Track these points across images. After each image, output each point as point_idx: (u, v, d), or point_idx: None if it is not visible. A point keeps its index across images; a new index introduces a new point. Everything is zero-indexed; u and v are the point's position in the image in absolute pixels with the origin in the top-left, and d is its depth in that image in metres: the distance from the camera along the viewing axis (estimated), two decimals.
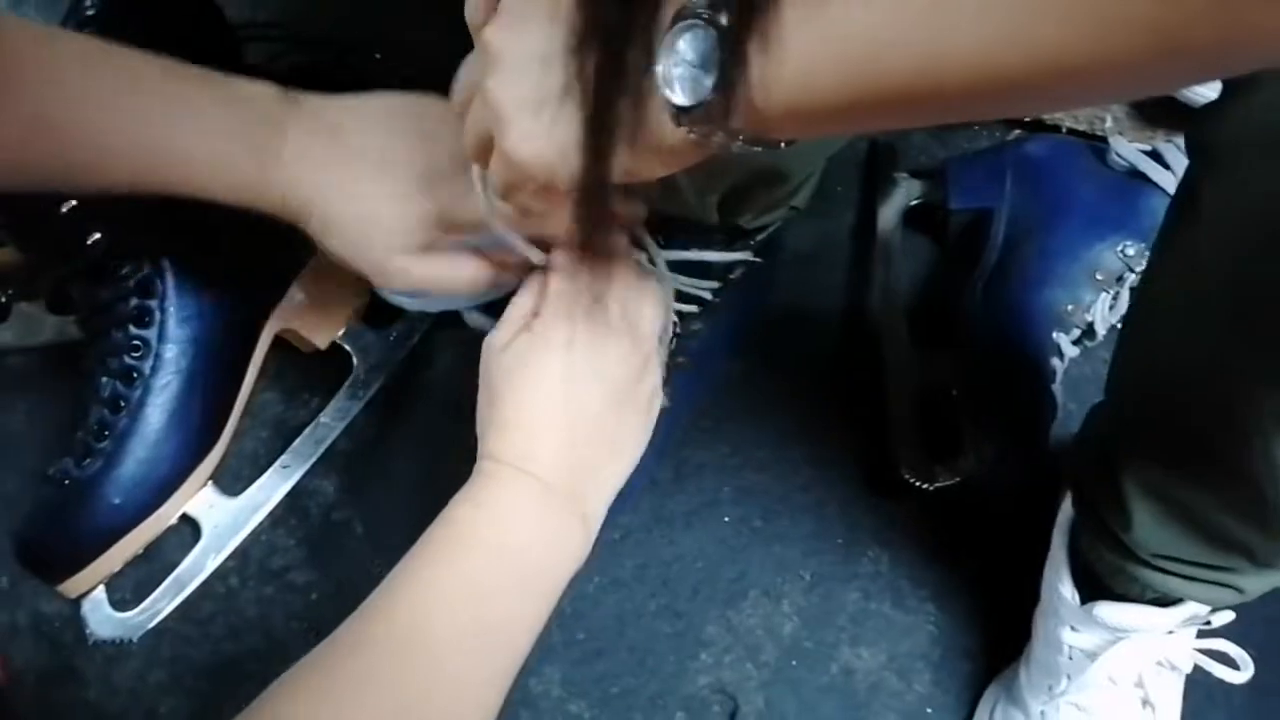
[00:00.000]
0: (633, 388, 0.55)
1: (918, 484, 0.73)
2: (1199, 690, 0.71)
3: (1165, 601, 0.61)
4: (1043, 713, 0.67)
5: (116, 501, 0.68)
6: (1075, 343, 0.75)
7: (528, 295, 0.56)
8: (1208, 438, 0.49)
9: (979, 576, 0.76)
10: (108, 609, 0.70)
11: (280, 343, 0.78)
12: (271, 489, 0.75)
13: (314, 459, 0.76)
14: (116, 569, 0.70)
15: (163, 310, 0.69)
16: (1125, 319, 0.67)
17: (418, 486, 0.78)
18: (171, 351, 0.69)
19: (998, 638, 0.73)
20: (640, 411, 0.56)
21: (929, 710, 0.73)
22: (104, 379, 0.70)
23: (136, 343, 0.69)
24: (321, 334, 0.77)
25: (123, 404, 0.69)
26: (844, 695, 0.74)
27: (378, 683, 0.45)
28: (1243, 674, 0.63)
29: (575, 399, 0.53)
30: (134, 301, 0.69)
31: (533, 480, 0.52)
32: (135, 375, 0.69)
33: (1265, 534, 0.52)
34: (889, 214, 0.84)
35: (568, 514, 0.53)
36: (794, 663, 0.74)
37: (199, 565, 0.73)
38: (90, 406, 0.70)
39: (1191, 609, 0.61)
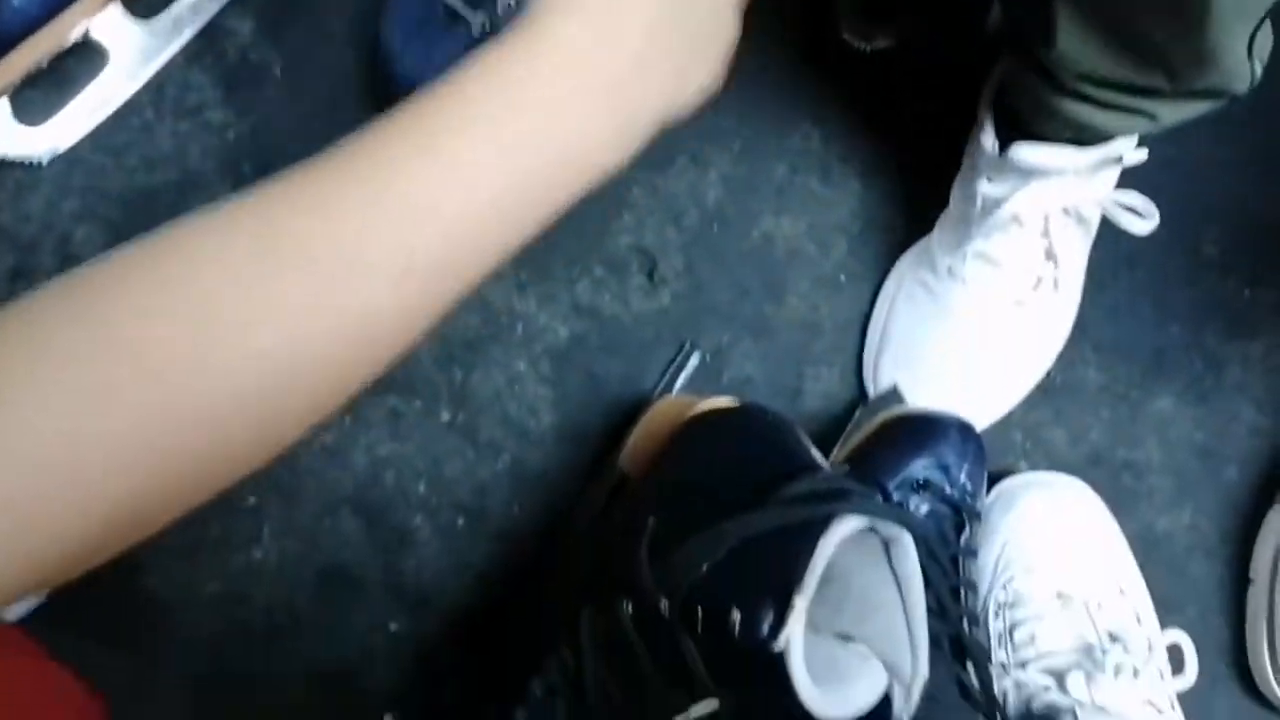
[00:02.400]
0: None
1: (857, 45, 0.71)
2: (1104, 263, 0.74)
3: (1081, 142, 0.61)
4: (950, 268, 0.68)
5: (15, 3, 0.65)
6: None
7: None
8: None
9: (907, 157, 0.76)
10: (13, 122, 0.69)
11: None
12: (186, 21, 0.72)
13: None
14: (16, 80, 0.68)
15: None
16: None
17: (347, 37, 0.75)
18: None
19: (919, 215, 0.74)
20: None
21: (842, 278, 0.75)
22: None
23: None
24: None
25: None
26: (762, 260, 0.75)
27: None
28: (1148, 222, 0.64)
29: None
30: None
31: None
32: None
33: (1184, 34, 0.51)
34: None
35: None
36: (715, 227, 0.75)
37: (110, 91, 0.71)
38: None
39: (1105, 150, 0.61)
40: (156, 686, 0.67)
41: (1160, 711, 0.59)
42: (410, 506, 0.70)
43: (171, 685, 0.67)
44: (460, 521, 0.71)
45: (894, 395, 0.68)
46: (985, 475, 0.63)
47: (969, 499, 0.59)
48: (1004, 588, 0.62)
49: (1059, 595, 0.61)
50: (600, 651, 0.51)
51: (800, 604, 0.42)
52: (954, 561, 0.57)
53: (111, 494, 0.34)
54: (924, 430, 0.61)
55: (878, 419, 0.63)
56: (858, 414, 0.68)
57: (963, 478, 0.60)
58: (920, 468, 0.59)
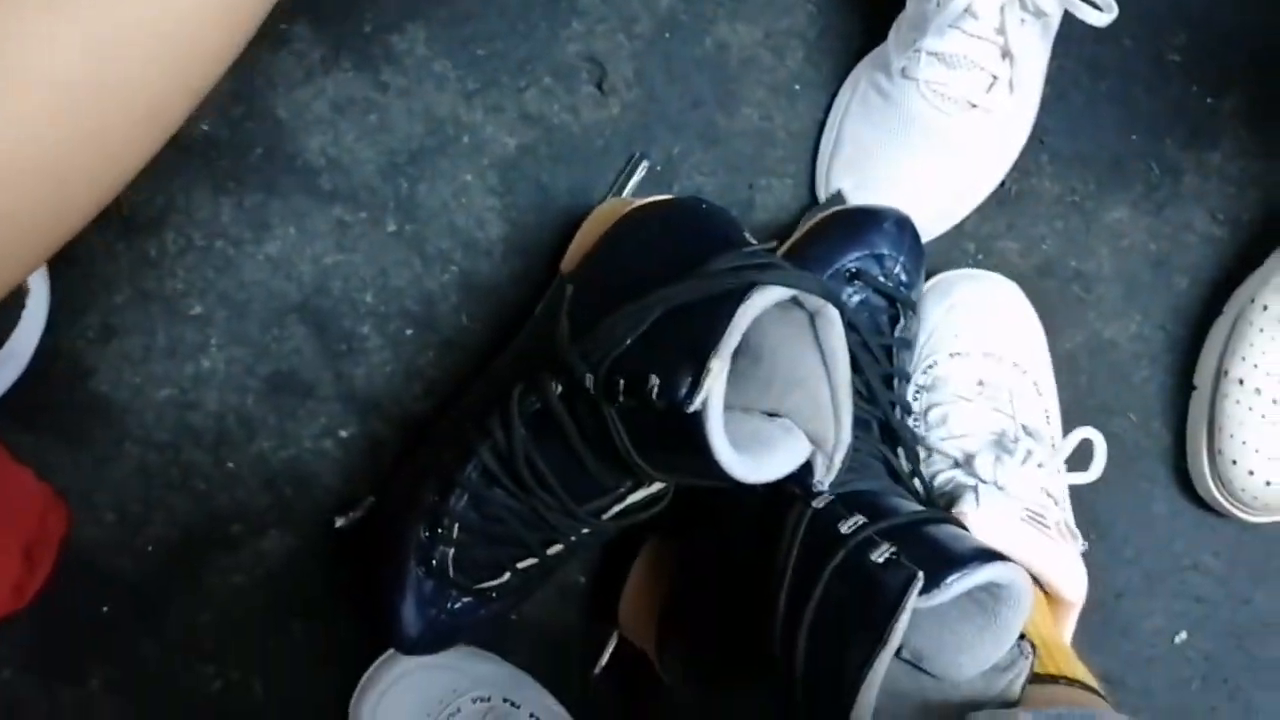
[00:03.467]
0: None
1: None
2: (1065, 71, 0.72)
3: None
4: (904, 68, 0.67)
5: None
6: None
7: None
8: None
9: None
10: None
11: None
12: None
13: None
14: None
15: None
16: None
17: None
18: None
19: (878, 21, 0.72)
20: None
21: (798, 86, 0.73)
22: None
23: None
24: None
25: None
26: (715, 69, 0.73)
27: None
28: (1106, 15, 0.62)
29: None
30: None
31: None
32: None
33: None
34: None
35: None
36: (668, 35, 0.73)
37: None
38: None
39: None
40: (115, 485, 0.69)
41: (1056, 502, 0.60)
42: (358, 315, 0.70)
43: (129, 484, 0.69)
44: (409, 331, 0.71)
45: (837, 198, 0.67)
46: (923, 268, 0.62)
47: (903, 289, 0.59)
48: (925, 371, 0.62)
49: (980, 383, 0.61)
50: (531, 432, 0.51)
51: (716, 366, 0.43)
52: (887, 351, 0.58)
53: None
54: (859, 222, 0.60)
55: (816, 217, 0.62)
56: (802, 219, 0.67)
57: (897, 269, 0.59)
58: (854, 258, 0.58)
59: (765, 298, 0.45)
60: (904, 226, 0.61)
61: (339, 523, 0.67)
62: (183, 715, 0.70)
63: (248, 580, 0.69)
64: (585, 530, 0.54)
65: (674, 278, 0.49)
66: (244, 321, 0.70)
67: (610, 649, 0.67)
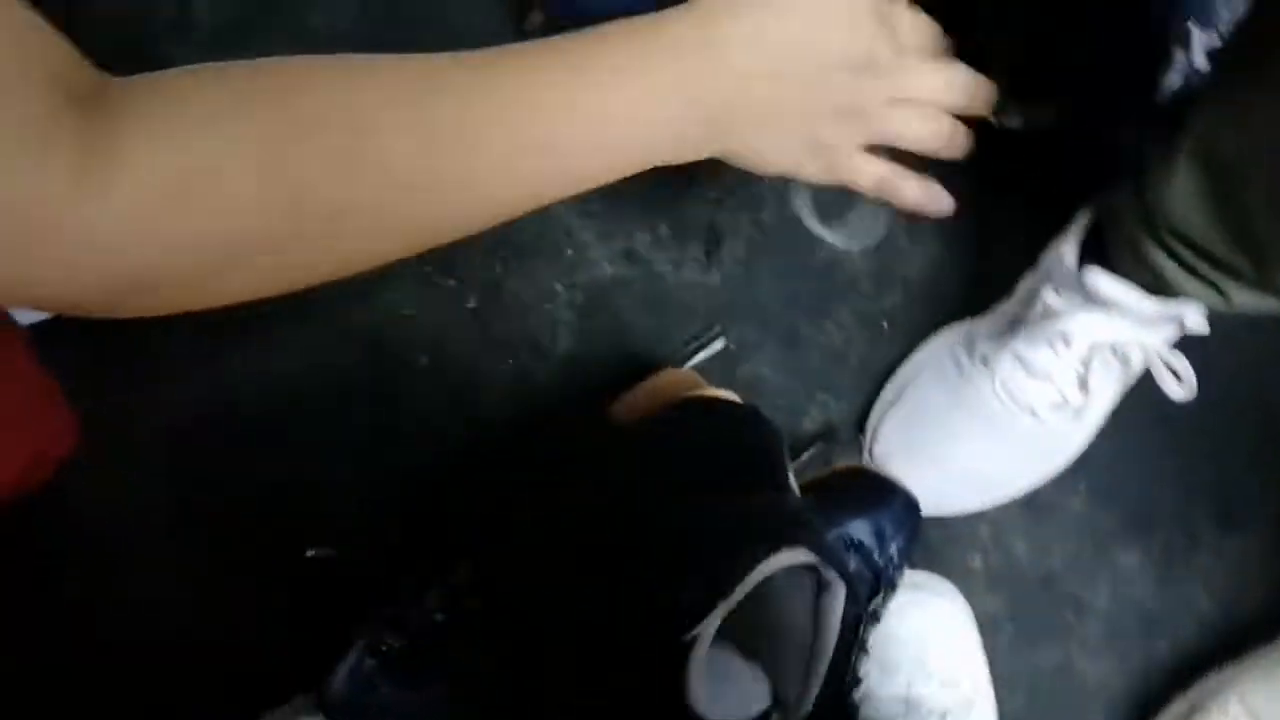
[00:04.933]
0: None
1: (1005, 124, 0.71)
2: (1132, 411, 0.75)
3: (1153, 291, 0.61)
4: (985, 356, 0.69)
5: None
6: (1210, 56, 0.71)
7: None
8: None
9: (999, 240, 0.76)
10: None
11: None
12: None
13: None
14: None
15: None
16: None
17: None
18: None
19: (980, 298, 0.74)
20: None
21: (885, 325, 0.76)
22: None
23: None
24: None
25: None
26: (818, 279, 0.76)
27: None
28: (1184, 390, 0.65)
29: None
30: None
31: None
32: None
33: None
34: None
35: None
36: (787, 232, 0.76)
37: None
38: None
39: (1171, 308, 0.62)
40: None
41: None
42: (409, 373, 0.72)
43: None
44: (446, 402, 0.73)
45: (829, 432, 0.71)
46: (912, 551, 0.65)
47: (891, 570, 0.61)
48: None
49: (905, 701, 0.64)
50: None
51: (722, 608, 0.44)
52: (858, 621, 0.59)
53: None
54: (874, 493, 0.63)
55: (837, 462, 0.65)
56: (817, 446, 0.71)
57: (893, 549, 0.61)
58: (860, 528, 0.60)
59: (792, 557, 0.46)
60: (912, 511, 0.63)
61: (310, 552, 0.69)
62: None
63: None
64: None
65: (715, 484, 0.51)
66: (305, 329, 0.72)
67: None
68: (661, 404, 0.64)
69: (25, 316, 0.66)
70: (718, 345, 0.74)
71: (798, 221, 0.76)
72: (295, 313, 0.72)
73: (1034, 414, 0.69)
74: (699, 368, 0.74)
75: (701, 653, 0.44)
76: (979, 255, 0.76)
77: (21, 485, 0.67)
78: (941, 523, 0.73)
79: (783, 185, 0.76)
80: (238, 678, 0.63)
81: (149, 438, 0.69)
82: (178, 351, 0.70)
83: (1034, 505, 0.75)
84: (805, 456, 0.73)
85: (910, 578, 0.69)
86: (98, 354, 0.69)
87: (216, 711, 0.65)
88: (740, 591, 0.45)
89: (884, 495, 0.65)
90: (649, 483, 0.55)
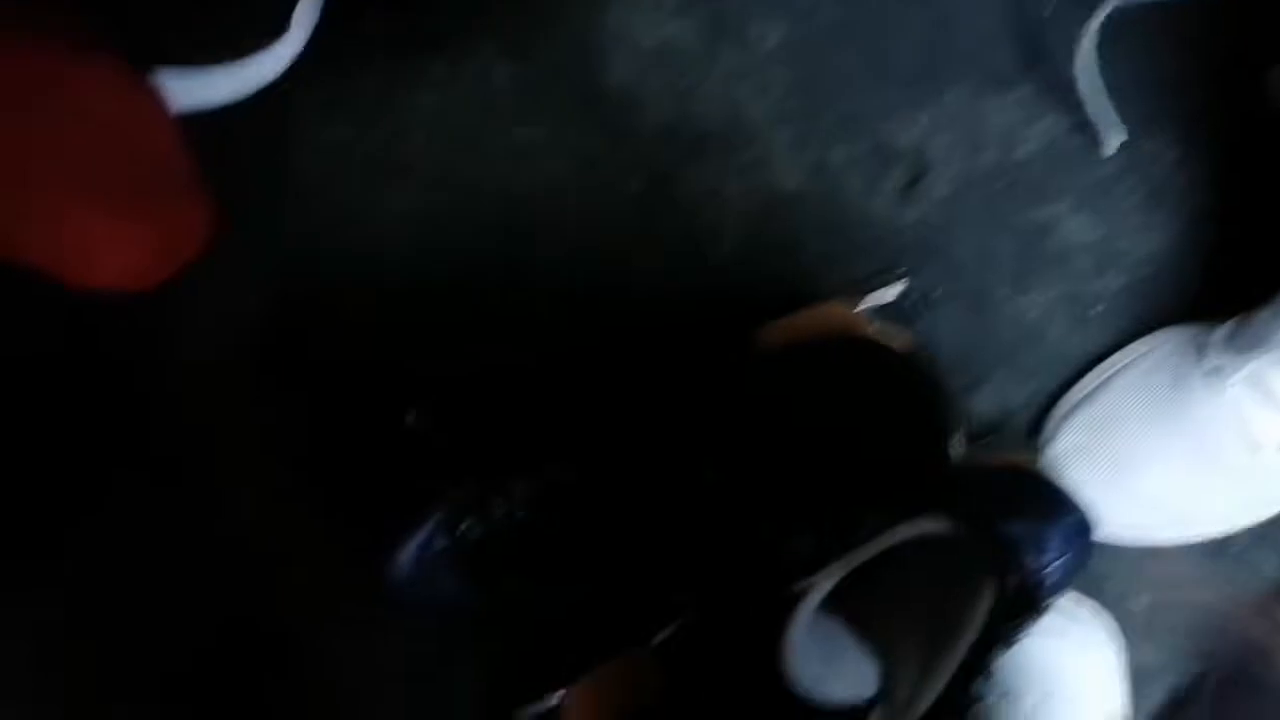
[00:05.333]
0: None
1: None
2: None
3: None
4: (1217, 367, 0.58)
5: None
6: None
7: None
8: None
9: (1255, 233, 0.64)
10: None
11: None
12: None
13: None
14: None
15: None
16: None
17: None
18: None
19: (1214, 301, 0.63)
20: None
21: (1098, 309, 0.65)
22: None
23: None
24: None
25: None
26: (1028, 242, 0.65)
27: None
28: None
29: None
30: None
31: None
32: None
33: None
34: None
35: None
36: (1003, 183, 0.66)
37: None
38: None
39: None
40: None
41: None
42: (551, 248, 0.66)
43: None
44: (583, 291, 0.66)
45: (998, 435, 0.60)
46: (1073, 578, 0.55)
47: (1044, 590, 0.52)
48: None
49: None
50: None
51: (842, 564, 0.36)
52: (995, 629, 0.50)
53: None
54: (1045, 501, 0.53)
55: (1012, 456, 0.55)
56: (994, 436, 0.60)
57: (1052, 568, 0.52)
58: (1020, 531, 0.51)
59: (930, 526, 0.38)
60: (1084, 534, 0.53)
61: (409, 418, 0.64)
62: None
63: None
64: None
65: (862, 434, 0.43)
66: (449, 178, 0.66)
67: None
68: (819, 336, 0.55)
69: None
70: (898, 287, 0.65)
71: (1016, 170, 0.65)
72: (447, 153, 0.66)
73: (1258, 449, 0.58)
74: (870, 311, 0.65)
75: (807, 610, 0.36)
76: (1229, 249, 0.64)
77: (146, 276, 0.64)
78: (1108, 548, 0.62)
79: (1018, 122, 0.65)
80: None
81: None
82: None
83: (1222, 554, 0.64)
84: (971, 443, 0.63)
85: (1061, 603, 0.59)
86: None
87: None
88: (867, 551, 0.37)
89: (1056, 506, 0.55)
90: (788, 415, 0.47)
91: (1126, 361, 0.63)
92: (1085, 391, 0.63)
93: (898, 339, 0.54)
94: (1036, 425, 0.64)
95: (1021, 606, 0.53)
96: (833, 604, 0.42)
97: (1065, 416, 0.63)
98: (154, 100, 0.61)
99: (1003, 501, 0.54)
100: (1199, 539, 0.62)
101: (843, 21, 0.66)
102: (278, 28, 0.62)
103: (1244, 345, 0.57)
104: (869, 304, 0.64)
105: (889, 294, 0.65)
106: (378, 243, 0.65)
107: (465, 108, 0.66)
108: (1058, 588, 0.56)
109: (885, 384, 0.49)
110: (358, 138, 0.66)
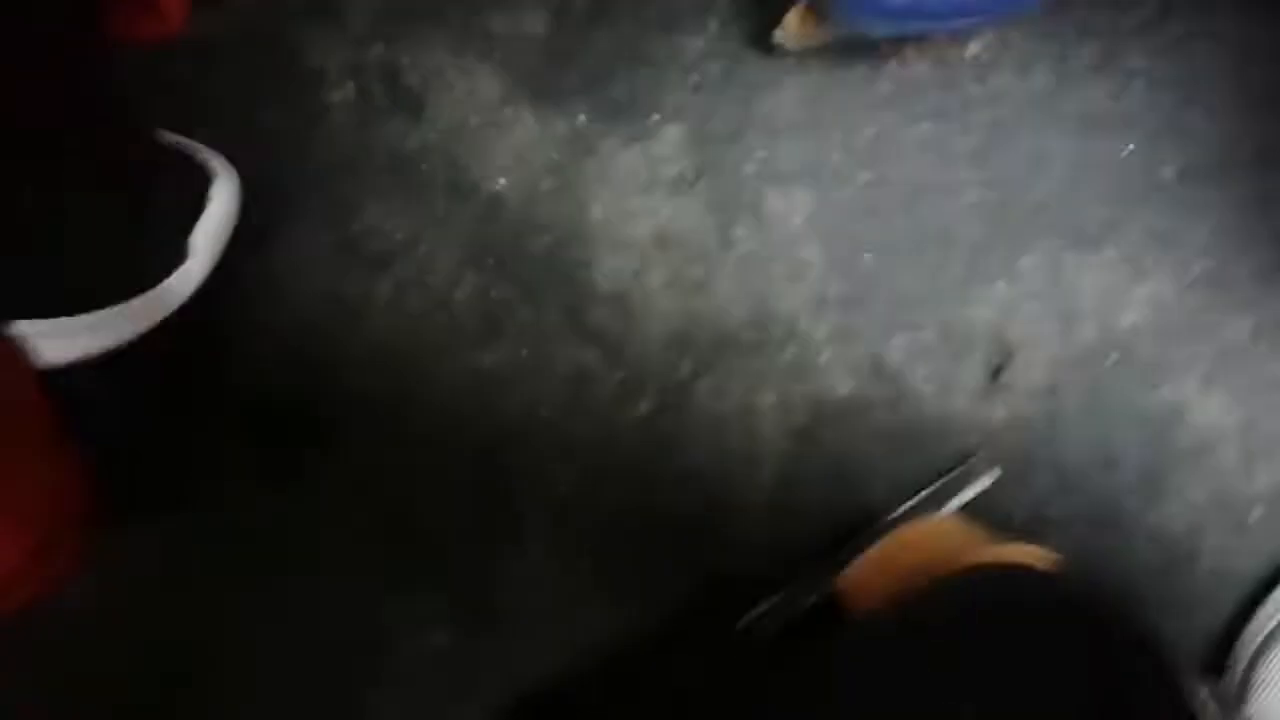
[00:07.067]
0: None
1: None
2: None
3: None
4: None
5: None
6: None
7: None
8: None
9: None
10: None
11: None
12: None
13: None
14: None
15: None
16: None
17: None
18: None
19: None
20: None
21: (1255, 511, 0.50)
22: None
23: None
24: None
25: None
26: (1158, 431, 0.51)
27: None
28: None
29: None
30: None
31: None
32: None
33: None
34: None
35: None
36: (1111, 360, 0.52)
37: None
38: None
39: None
40: None
41: None
42: (541, 491, 0.51)
43: None
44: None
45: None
46: None
47: None
48: None
49: None
50: None
51: None
52: None
53: None
54: None
55: None
56: None
57: None
58: None
59: None
60: None
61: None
62: None
63: None
64: None
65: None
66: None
67: None
68: (921, 576, 0.39)
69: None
70: (986, 481, 0.49)
71: (1132, 348, 0.51)
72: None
73: None
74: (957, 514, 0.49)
75: None
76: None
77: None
78: None
79: (1123, 284, 0.52)
80: None
81: None
82: None
83: None
84: None
85: None
86: None
87: None
88: None
89: None
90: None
91: None
92: (1267, 626, 0.48)
93: (1033, 554, 0.38)
94: (1215, 668, 0.48)
95: None
96: None
97: (1255, 658, 0.47)
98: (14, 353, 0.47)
99: None
100: None
101: (878, 181, 0.53)
102: (179, 252, 0.49)
103: None
104: (954, 507, 0.49)
105: (976, 489, 0.49)
106: None
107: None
108: None
109: (1069, 631, 0.32)
110: None
